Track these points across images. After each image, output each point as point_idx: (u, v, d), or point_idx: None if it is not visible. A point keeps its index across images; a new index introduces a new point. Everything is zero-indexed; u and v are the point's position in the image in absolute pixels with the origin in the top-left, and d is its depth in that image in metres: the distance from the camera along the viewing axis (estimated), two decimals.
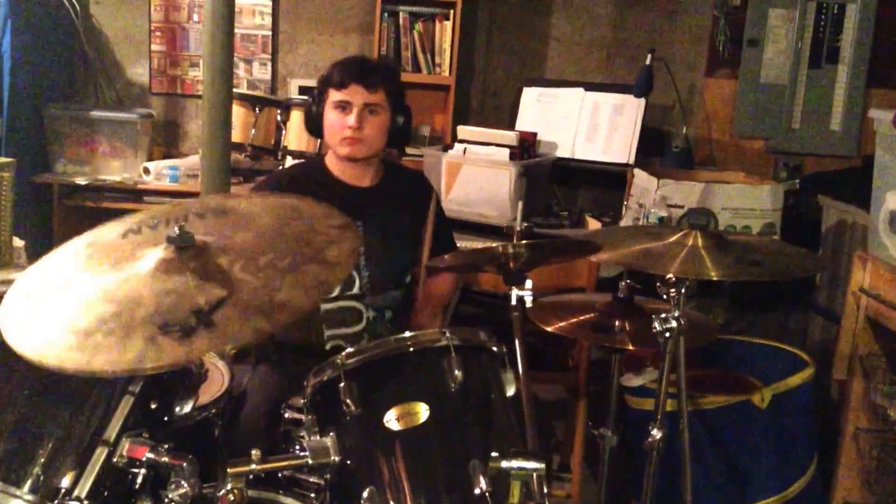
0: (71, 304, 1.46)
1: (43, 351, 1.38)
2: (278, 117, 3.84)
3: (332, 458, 1.63)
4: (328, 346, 2.41)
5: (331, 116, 2.42)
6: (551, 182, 4.09)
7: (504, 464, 1.45)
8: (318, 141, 3.56)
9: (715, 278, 1.97)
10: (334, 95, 2.39)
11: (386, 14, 4.15)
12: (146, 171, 4.01)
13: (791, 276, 2.09)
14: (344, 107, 2.38)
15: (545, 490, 1.52)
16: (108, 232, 1.67)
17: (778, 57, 4.35)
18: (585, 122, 4.10)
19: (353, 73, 2.38)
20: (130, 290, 1.47)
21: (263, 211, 1.73)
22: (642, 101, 4.02)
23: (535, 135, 3.93)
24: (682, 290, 2.00)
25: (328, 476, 1.67)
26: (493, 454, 1.47)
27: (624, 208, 3.68)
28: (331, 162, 2.50)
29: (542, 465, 1.45)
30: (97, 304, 1.45)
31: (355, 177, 2.47)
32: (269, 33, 4.41)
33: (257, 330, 1.42)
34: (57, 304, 1.48)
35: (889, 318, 2.69)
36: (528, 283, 1.91)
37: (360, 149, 2.41)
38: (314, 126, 2.51)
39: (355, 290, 2.42)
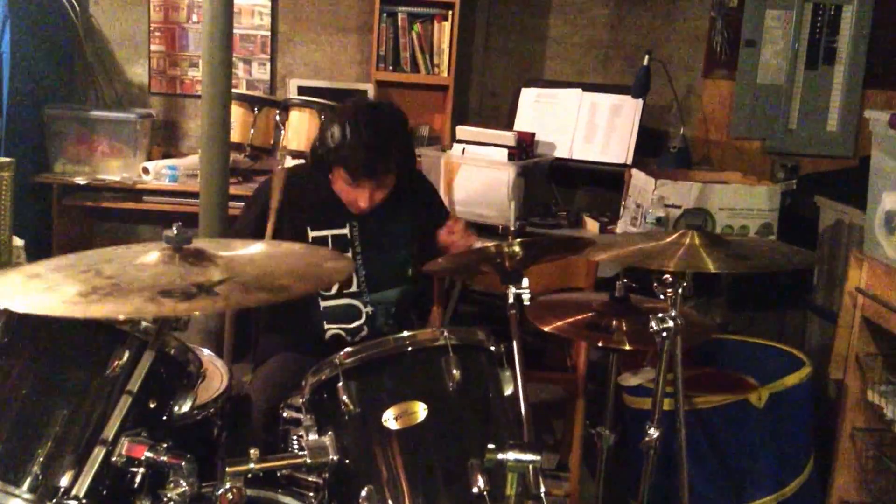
0: (60, 279, 1.47)
1: (35, 305, 1.38)
2: (277, 117, 3.84)
3: (331, 457, 1.64)
4: (327, 336, 2.44)
5: (341, 185, 2.39)
6: (549, 182, 4.09)
7: (500, 455, 1.46)
8: None
9: (713, 270, 1.97)
10: (344, 176, 2.36)
11: (385, 14, 4.15)
12: (145, 170, 4.01)
13: (783, 268, 2.11)
14: (355, 185, 2.37)
15: (542, 485, 1.53)
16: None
17: (775, 58, 4.36)
18: (583, 123, 4.11)
19: (365, 172, 2.34)
20: (127, 271, 1.48)
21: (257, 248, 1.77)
22: (640, 101, 4.03)
23: (533, 135, 3.94)
24: (679, 290, 2.01)
25: (326, 475, 1.68)
26: (490, 446, 1.48)
27: (622, 208, 3.69)
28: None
29: (538, 458, 1.46)
30: (92, 278, 1.45)
31: None
32: (268, 33, 4.41)
33: (259, 300, 1.45)
34: (44, 278, 1.48)
35: (885, 318, 2.70)
36: (525, 282, 1.92)
37: (370, 209, 2.43)
38: (322, 169, 2.45)
39: (353, 288, 2.47)
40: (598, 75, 4.44)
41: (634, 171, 3.65)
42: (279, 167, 2.54)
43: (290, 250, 1.77)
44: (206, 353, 2.21)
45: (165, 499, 1.48)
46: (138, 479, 1.51)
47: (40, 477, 1.47)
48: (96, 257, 1.58)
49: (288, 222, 2.42)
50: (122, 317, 1.42)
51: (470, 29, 4.41)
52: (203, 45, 3.06)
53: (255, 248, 1.73)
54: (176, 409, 1.63)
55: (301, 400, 1.79)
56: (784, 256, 2.18)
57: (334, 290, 2.45)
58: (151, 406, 1.58)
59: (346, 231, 2.46)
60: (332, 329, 2.46)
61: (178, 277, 1.44)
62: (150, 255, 1.52)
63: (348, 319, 2.46)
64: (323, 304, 2.46)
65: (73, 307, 1.34)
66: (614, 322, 2.29)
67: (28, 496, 1.45)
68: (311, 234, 2.45)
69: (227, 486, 1.50)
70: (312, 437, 1.68)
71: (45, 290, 1.41)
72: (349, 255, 2.45)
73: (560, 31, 4.45)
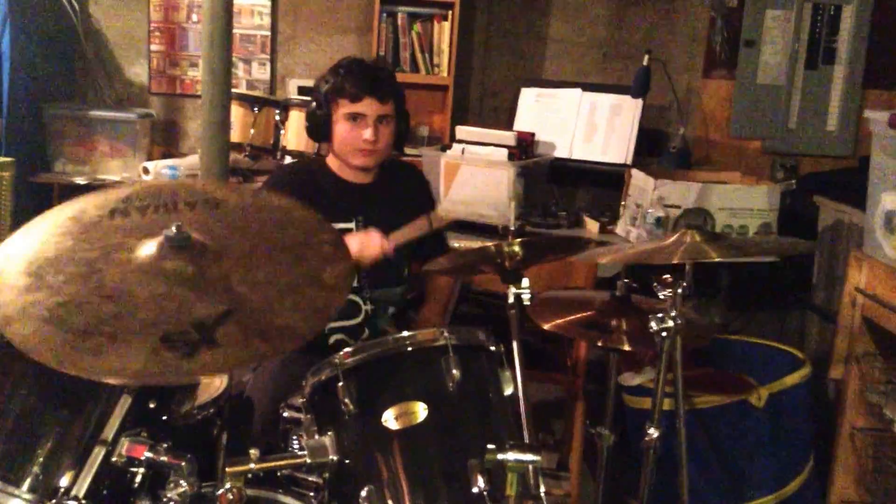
0: (62, 293, 1.44)
1: (38, 348, 1.36)
2: (277, 117, 3.84)
3: (331, 457, 1.64)
4: (331, 341, 2.44)
5: (343, 128, 2.41)
6: (549, 182, 4.09)
7: (500, 456, 1.46)
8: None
9: (715, 259, 1.97)
10: (347, 107, 2.38)
11: (384, 14, 4.15)
12: (145, 170, 4.01)
13: (782, 255, 2.12)
14: (357, 118, 2.39)
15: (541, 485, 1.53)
16: (93, 209, 1.64)
17: (774, 58, 4.36)
18: (583, 123, 4.11)
19: (366, 85, 2.38)
20: (125, 286, 1.46)
21: (255, 210, 1.74)
22: (640, 101, 4.02)
23: (533, 135, 3.93)
24: (679, 290, 2.01)
25: (327, 475, 1.68)
26: (490, 446, 1.48)
27: (621, 208, 3.69)
28: (332, 161, 2.52)
29: (538, 458, 1.46)
30: (93, 300, 1.43)
31: (356, 175, 2.50)
32: (268, 33, 4.41)
33: (258, 353, 1.43)
34: (46, 290, 1.45)
35: (885, 318, 2.70)
36: (525, 282, 1.92)
37: (373, 159, 2.45)
38: (320, 132, 2.48)
39: (354, 283, 2.45)
40: (597, 75, 4.44)
41: (634, 171, 3.65)
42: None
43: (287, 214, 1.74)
44: None
45: (165, 499, 1.48)
46: (138, 479, 1.52)
47: (40, 477, 1.47)
48: (97, 238, 1.57)
49: None
50: (121, 379, 1.40)
51: (470, 29, 4.41)
52: (203, 45, 3.06)
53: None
54: (176, 408, 1.63)
55: (301, 400, 1.79)
56: (784, 245, 2.18)
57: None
58: (151, 406, 1.58)
59: (352, 225, 2.46)
60: (334, 333, 2.45)
61: (178, 309, 1.42)
62: (147, 249, 1.51)
63: (347, 316, 2.46)
64: None
65: (75, 356, 1.33)
66: (614, 321, 2.29)
67: (28, 496, 1.46)
68: None
69: (227, 486, 1.50)
70: (312, 437, 1.69)
71: (48, 319, 1.39)
72: (359, 220, 2.45)
73: (560, 30, 4.45)
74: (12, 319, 1.40)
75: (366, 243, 2.26)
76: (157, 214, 1.60)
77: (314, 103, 2.47)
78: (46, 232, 1.58)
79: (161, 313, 1.41)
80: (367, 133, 2.38)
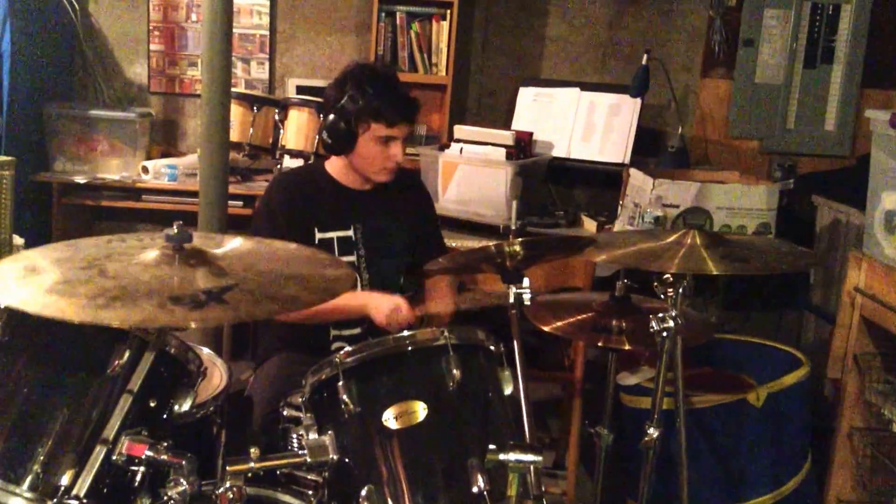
0: (65, 276, 1.46)
1: (43, 304, 1.37)
2: (276, 116, 3.85)
3: (331, 456, 1.64)
4: (332, 347, 2.43)
5: (373, 148, 2.40)
6: (547, 181, 4.10)
7: (501, 456, 1.47)
8: (316, 141, 3.58)
9: (714, 272, 1.98)
10: (382, 130, 2.38)
11: (383, 14, 4.15)
12: (145, 169, 4.02)
13: (784, 270, 2.12)
14: (389, 140, 2.40)
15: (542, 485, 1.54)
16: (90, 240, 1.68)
17: (773, 57, 4.37)
18: (581, 122, 4.11)
19: (403, 112, 2.41)
20: (129, 272, 1.47)
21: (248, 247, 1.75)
22: (638, 101, 4.03)
23: (531, 134, 3.94)
24: (680, 290, 2.01)
25: (326, 474, 1.68)
26: (491, 447, 1.48)
27: (619, 208, 3.69)
28: (333, 167, 2.52)
29: (540, 458, 1.47)
30: (96, 278, 1.44)
31: (357, 182, 2.50)
32: (267, 33, 4.41)
33: (269, 310, 1.47)
34: (48, 276, 1.46)
35: (884, 317, 2.71)
36: (526, 282, 1.92)
37: (395, 173, 2.47)
38: (341, 147, 2.45)
39: (357, 290, 2.45)
40: (596, 74, 4.45)
41: (632, 171, 3.65)
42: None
43: (285, 250, 1.76)
44: (205, 351, 2.21)
45: (166, 497, 1.48)
46: (139, 477, 1.52)
47: (41, 475, 1.47)
48: (95, 251, 1.58)
49: (294, 224, 2.41)
50: (133, 325, 1.41)
51: (468, 28, 4.42)
52: (202, 44, 3.06)
53: (245, 247, 1.71)
54: (176, 407, 1.63)
55: (301, 398, 1.79)
56: (787, 257, 2.19)
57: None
58: (152, 405, 1.58)
59: (350, 233, 2.46)
60: (336, 341, 2.45)
61: (183, 281, 1.44)
62: (149, 254, 1.52)
63: (351, 324, 2.46)
64: None
65: (85, 312, 1.34)
66: (614, 322, 2.29)
67: (29, 495, 1.46)
68: (318, 235, 2.44)
69: (228, 484, 1.51)
70: (312, 435, 1.69)
71: (51, 290, 1.41)
72: (353, 257, 2.45)
73: (558, 30, 4.45)
74: (19, 294, 1.41)
75: (392, 317, 2.27)
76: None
77: (333, 116, 2.41)
78: (41, 256, 1.59)
79: (165, 286, 1.43)
80: (399, 154, 2.42)
